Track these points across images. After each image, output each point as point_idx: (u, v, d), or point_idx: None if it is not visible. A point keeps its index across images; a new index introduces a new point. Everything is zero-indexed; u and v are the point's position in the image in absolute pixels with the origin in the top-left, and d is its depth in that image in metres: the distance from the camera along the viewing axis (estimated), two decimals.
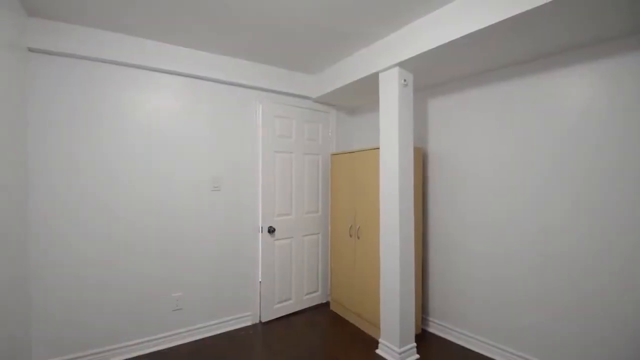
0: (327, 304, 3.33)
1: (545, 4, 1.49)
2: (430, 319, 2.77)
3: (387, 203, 2.36)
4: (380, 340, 2.43)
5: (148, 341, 2.42)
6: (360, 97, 3.16)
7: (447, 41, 1.91)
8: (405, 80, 2.32)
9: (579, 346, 1.97)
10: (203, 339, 2.60)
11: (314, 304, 3.27)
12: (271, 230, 2.90)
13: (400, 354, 2.27)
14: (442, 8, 1.96)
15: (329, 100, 3.29)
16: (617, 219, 1.85)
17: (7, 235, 1.72)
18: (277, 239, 2.97)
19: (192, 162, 2.62)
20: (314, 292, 3.26)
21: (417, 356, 2.35)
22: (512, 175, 2.29)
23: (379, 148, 2.57)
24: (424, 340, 2.60)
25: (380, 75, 2.43)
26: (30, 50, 2.06)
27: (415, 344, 2.39)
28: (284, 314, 3.01)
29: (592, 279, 1.93)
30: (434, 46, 1.99)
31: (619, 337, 1.84)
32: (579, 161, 1.99)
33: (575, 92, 2.00)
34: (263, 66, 2.87)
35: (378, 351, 2.42)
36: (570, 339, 2.01)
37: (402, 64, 2.26)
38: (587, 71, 1.95)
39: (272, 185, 2.93)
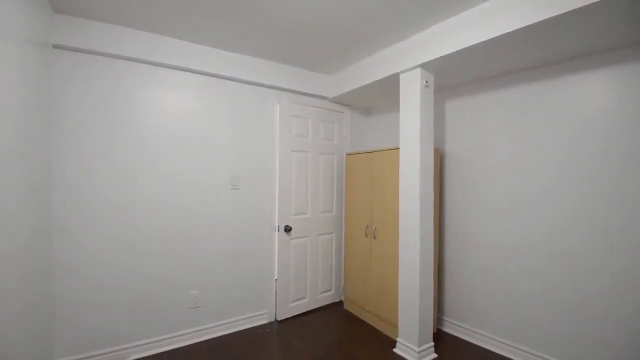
0: (340, 302, 3.34)
1: (568, 12, 1.54)
2: (446, 318, 2.80)
3: (408, 202, 2.38)
4: (398, 339, 2.45)
5: (166, 339, 2.43)
6: (377, 97, 3.17)
7: (471, 44, 1.94)
8: (426, 82, 2.34)
9: (581, 346, 2.01)
10: (221, 337, 2.61)
11: (328, 302, 3.29)
12: (287, 229, 2.92)
13: (418, 352, 2.29)
14: (468, 11, 1.98)
15: (344, 100, 3.30)
16: (619, 221, 1.90)
17: (35, 235, 1.73)
18: (293, 238, 2.98)
19: (211, 161, 2.63)
20: (328, 291, 3.28)
21: (435, 355, 2.38)
22: (523, 175, 2.34)
23: (398, 148, 2.58)
24: (440, 339, 2.62)
25: (401, 76, 2.44)
26: (55, 47, 2.06)
27: (433, 343, 2.41)
28: (298, 313, 3.03)
29: (595, 280, 1.99)
30: (458, 49, 2.01)
31: (620, 337, 1.89)
32: (586, 164, 2.04)
33: (586, 97, 2.05)
34: (282, 65, 2.89)
35: (396, 350, 2.44)
36: (572, 337, 2.06)
37: (424, 65, 2.28)
38: (602, 76, 1.99)
39: (288, 184, 2.94)
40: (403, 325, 2.42)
